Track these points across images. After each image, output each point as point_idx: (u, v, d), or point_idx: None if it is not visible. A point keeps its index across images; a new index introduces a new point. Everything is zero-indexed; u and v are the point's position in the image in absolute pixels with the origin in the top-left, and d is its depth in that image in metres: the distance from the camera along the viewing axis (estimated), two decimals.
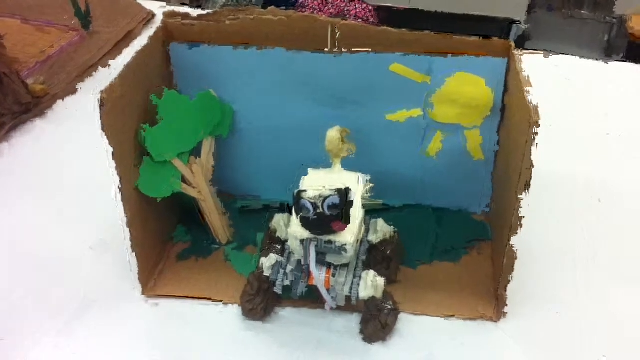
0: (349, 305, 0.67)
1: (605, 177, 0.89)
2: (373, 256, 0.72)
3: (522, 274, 0.69)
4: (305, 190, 0.60)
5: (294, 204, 0.61)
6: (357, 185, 0.68)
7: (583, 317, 0.69)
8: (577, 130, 0.99)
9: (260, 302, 0.68)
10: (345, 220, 0.61)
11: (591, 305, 0.71)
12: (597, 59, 1.17)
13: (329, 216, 0.60)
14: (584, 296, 0.72)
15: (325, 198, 0.59)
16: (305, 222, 0.62)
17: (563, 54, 1.18)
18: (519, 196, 0.61)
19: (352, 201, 0.61)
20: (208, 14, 0.72)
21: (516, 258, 0.65)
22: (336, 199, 0.60)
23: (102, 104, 0.60)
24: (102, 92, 0.60)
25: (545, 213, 0.81)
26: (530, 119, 0.57)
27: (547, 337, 0.67)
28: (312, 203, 0.60)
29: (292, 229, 0.63)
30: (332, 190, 0.60)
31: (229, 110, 0.77)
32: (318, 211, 0.60)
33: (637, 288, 0.73)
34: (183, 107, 0.72)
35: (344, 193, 0.60)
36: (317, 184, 0.64)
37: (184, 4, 1.84)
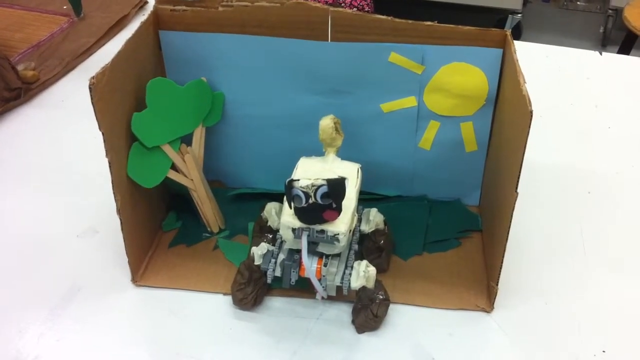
0: (340, 295, 0.67)
1: (595, 169, 0.89)
2: (365, 246, 0.72)
3: (513, 264, 0.69)
4: (297, 180, 0.60)
5: (286, 193, 0.61)
6: (351, 174, 0.68)
7: (573, 308, 0.70)
8: (567, 121, 0.99)
9: (251, 291, 0.67)
10: (338, 209, 0.61)
11: (581, 296, 0.71)
12: (591, 50, 1.17)
13: (321, 205, 0.60)
14: (574, 287, 0.72)
15: (318, 187, 0.59)
16: (298, 211, 0.61)
17: (558, 45, 1.18)
18: (516, 190, 0.61)
19: (345, 191, 0.61)
20: (201, 0, 0.72)
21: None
22: (329, 188, 0.59)
23: (92, 89, 0.59)
24: (92, 78, 0.60)
25: (535, 204, 0.81)
26: (527, 110, 0.57)
27: (536, 328, 0.67)
28: (304, 192, 0.59)
29: (284, 218, 0.63)
30: (324, 179, 0.59)
31: (219, 98, 0.77)
32: (310, 201, 0.59)
33: (626, 279, 0.73)
34: (173, 94, 0.72)
35: (336, 182, 0.60)
36: (310, 173, 0.64)
37: None
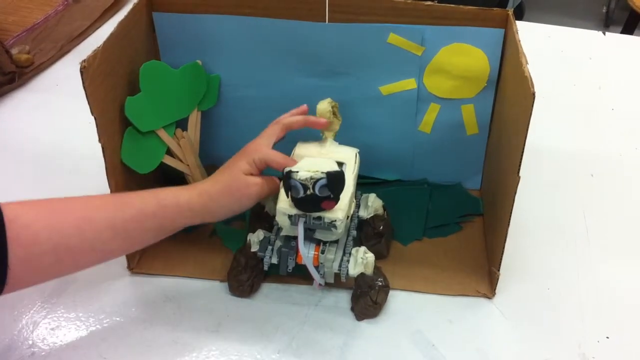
0: (339, 281, 0.66)
1: (598, 151, 0.88)
2: (364, 232, 0.71)
3: (515, 249, 0.68)
4: (296, 171, 0.58)
5: (284, 182, 0.59)
6: (349, 159, 0.66)
7: (576, 294, 0.69)
8: (570, 103, 0.97)
9: (248, 278, 0.66)
10: (336, 199, 0.60)
11: (584, 281, 0.70)
12: (594, 30, 1.15)
13: (319, 197, 0.58)
14: (577, 272, 0.71)
15: (317, 180, 0.57)
16: (295, 201, 0.60)
17: (560, 25, 1.16)
18: (518, 173, 0.59)
19: (344, 182, 0.59)
20: None
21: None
22: (328, 181, 0.58)
23: (83, 73, 0.58)
24: (83, 61, 0.58)
25: (537, 187, 0.80)
26: (529, 92, 0.55)
27: (538, 314, 0.66)
28: (302, 184, 0.58)
29: (281, 204, 0.62)
30: (323, 172, 0.57)
31: (215, 81, 0.75)
32: (308, 192, 0.58)
33: (630, 263, 0.72)
34: (167, 77, 0.70)
35: (336, 175, 0.58)
36: (307, 159, 0.62)
37: None
